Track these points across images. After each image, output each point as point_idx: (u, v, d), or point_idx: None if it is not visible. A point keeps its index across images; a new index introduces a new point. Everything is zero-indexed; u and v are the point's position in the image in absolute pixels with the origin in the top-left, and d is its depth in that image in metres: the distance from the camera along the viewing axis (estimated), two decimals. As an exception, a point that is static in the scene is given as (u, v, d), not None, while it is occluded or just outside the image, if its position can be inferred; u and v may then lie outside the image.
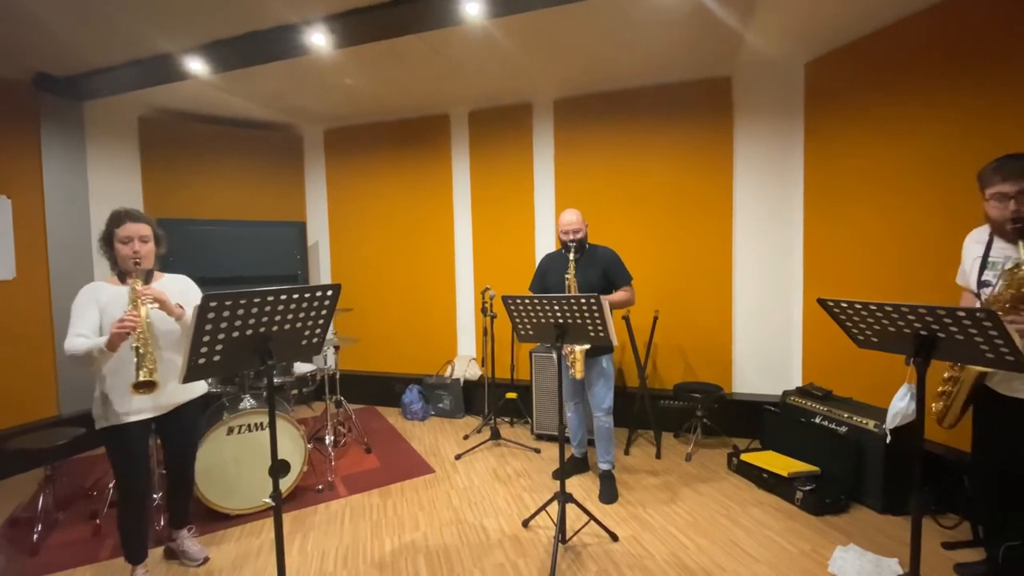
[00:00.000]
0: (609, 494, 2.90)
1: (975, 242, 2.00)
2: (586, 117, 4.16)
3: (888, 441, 1.99)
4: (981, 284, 1.92)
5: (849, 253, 3.28)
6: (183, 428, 2.25)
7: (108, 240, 2.04)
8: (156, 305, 1.93)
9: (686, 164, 3.92)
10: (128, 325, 1.80)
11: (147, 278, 2.00)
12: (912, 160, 2.89)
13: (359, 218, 4.95)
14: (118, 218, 2.04)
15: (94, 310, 1.97)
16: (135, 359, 1.80)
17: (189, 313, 1.54)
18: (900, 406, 1.91)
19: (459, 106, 4.54)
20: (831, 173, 3.40)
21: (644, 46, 3.35)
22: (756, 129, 3.77)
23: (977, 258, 1.95)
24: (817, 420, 3.05)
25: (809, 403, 3.14)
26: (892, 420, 1.92)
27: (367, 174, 4.89)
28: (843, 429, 2.89)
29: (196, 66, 3.30)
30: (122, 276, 2.07)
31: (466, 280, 4.69)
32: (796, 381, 3.67)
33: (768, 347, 3.83)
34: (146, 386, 1.79)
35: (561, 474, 2.43)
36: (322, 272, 5.15)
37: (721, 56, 3.56)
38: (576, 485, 3.08)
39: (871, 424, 2.74)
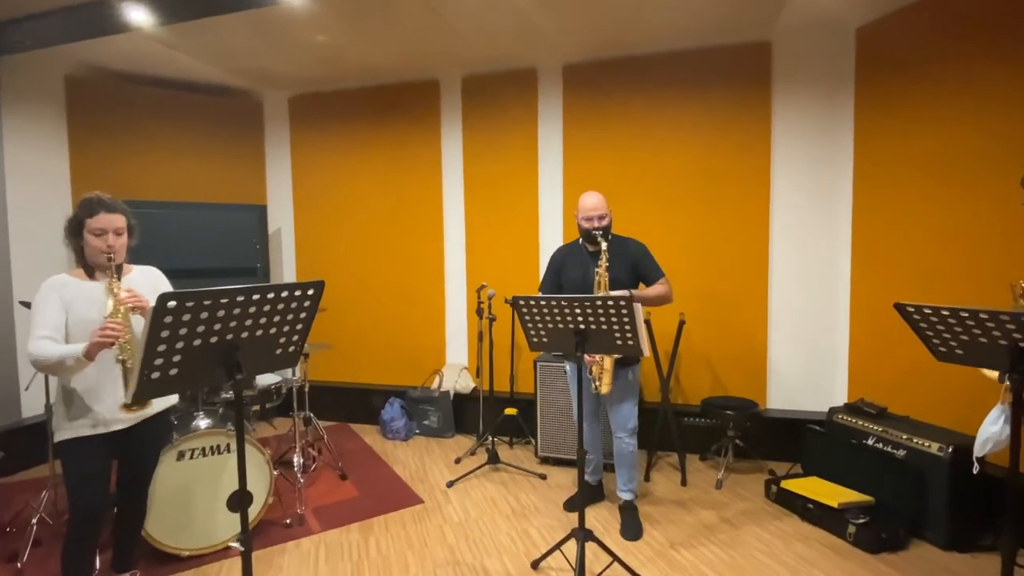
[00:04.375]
0: (633, 529, 2.86)
1: None
2: (601, 86, 4.10)
3: (976, 471, 1.97)
4: None
5: (906, 247, 3.26)
6: (148, 444, 2.25)
7: (77, 230, 2.04)
8: (139, 313, 1.94)
9: (717, 142, 3.88)
10: (111, 334, 1.83)
11: (117, 272, 2.01)
12: (983, 142, 2.87)
13: (330, 202, 4.84)
14: (91, 206, 2.03)
15: (58, 308, 1.97)
16: (122, 374, 1.89)
17: None
18: (993, 431, 1.87)
19: (451, 70, 4.45)
20: (886, 154, 3.38)
21: (672, 3, 3.28)
22: (799, 103, 3.74)
23: None
24: (870, 442, 3.04)
25: (860, 422, 3.13)
26: (982, 447, 1.89)
27: (340, 150, 4.78)
28: (901, 453, 2.88)
29: (138, 15, 3.19)
30: (88, 270, 2.09)
31: (457, 276, 4.62)
32: (842, 396, 3.66)
33: (810, 356, 3.81)
34: (138, 405, 1.93)
35: (580, 506, 2.38)
36: (285, 265, 5.04)
37: (761, 16, 3.52)
38: (591, 518, 3.03)
39: (934, 447, 2.73)
